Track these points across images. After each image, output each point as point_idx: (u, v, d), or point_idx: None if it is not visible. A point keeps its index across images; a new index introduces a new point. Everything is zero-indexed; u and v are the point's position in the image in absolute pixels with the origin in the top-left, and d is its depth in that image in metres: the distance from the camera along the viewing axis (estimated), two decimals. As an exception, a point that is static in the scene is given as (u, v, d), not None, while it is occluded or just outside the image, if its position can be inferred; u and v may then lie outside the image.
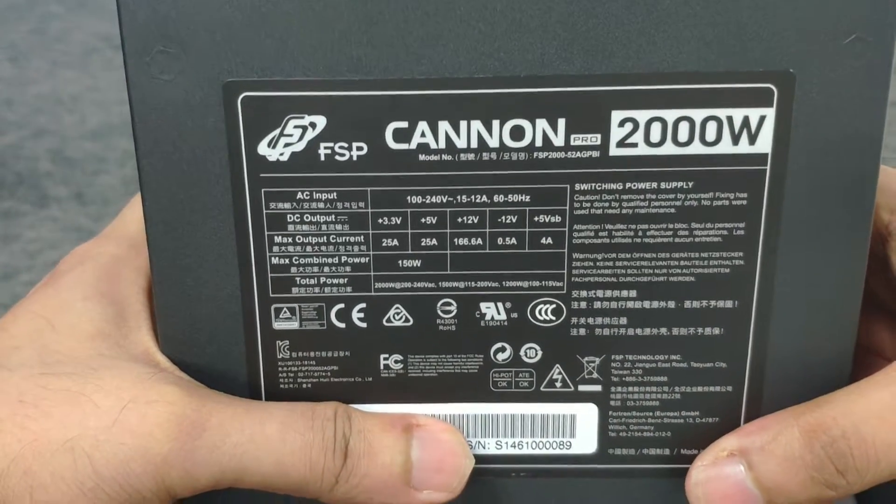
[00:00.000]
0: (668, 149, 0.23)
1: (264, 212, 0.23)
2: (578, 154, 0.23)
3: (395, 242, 0.23)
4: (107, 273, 0.27)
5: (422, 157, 0.23)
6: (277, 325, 0.24)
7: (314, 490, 0.23)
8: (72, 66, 1.07)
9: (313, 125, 0.22)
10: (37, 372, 0.24)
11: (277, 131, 0.22)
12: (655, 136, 0.23)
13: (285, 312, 0.24)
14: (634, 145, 0.23)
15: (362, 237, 0.23)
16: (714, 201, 0.24)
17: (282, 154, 0.22)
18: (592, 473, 0.27)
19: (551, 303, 0.24)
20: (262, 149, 0.22)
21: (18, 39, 1.08)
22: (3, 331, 0.26)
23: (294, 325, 0.24)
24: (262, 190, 0.22)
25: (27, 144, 1.03)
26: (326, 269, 0.23)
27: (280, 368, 0.24)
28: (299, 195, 0.23)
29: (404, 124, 0.22)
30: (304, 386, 0.25)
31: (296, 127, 0.22)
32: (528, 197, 0.23)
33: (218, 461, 0.23)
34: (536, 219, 0.24)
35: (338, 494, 0.24)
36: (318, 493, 0.24)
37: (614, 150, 0.23)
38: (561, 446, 0.26)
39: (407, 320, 0.24)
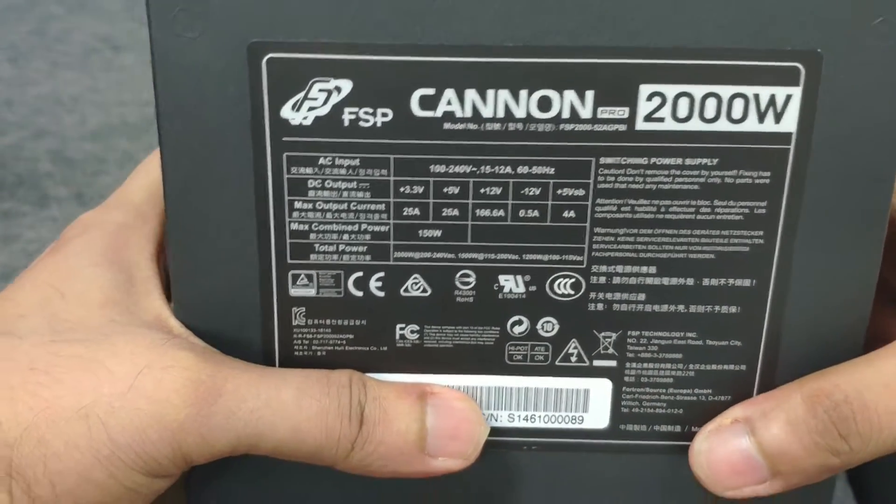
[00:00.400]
0: (695, 125, 0.23)
1: (285, 176, 0.23)
2: (605, 127, 0.23)
3: (417, 212, 0.23)
4: (114, 240, 0.27)
5: (447, 126, 0.22)
6: (294, 292, 0.24)
7: (329, 457, 0.23)
8: (72, 67, 1.08)
9: (338, 89, 0.22)
10: (47, 339, 0.24)
11: (302, 94, 0.22)
12: (683, 111, 0.23)
13: (303, 279, 0.24)
14: (661, 120, 0.23)
15: (383, 205, 0.23)
16: (737, 179, 0.24)
17: (305, 118, 0.22)
18: (603, 448, 0.27)
19: (570, 277, 0.24)
20: (286, 112, 0.22)
21: (18, 40, 1.08)
22: (9, 300, 0.25)
23: (311, 292, 0.24)
24: (284, 154, 0.22)
25: (27, 145, 1.03)
26: (346, 236, 0.23)
27: (295, 335, 0.24)
28: (321, 160, 0.23)
29: (431, 91, 0.22)
30: (319, 354, 0.25)
31: (321, 90, 0.22)
32: (552, 169, 0.23)
33: (234, 427, 0.23)
34: (559, 192, 0.23)
35: (353, 461, 0.24)
36: (334, 461, 0.23)
37: (641, 125, 0.23)
38: (573, 420, 0.26)
39: (425, 291, 0.24)
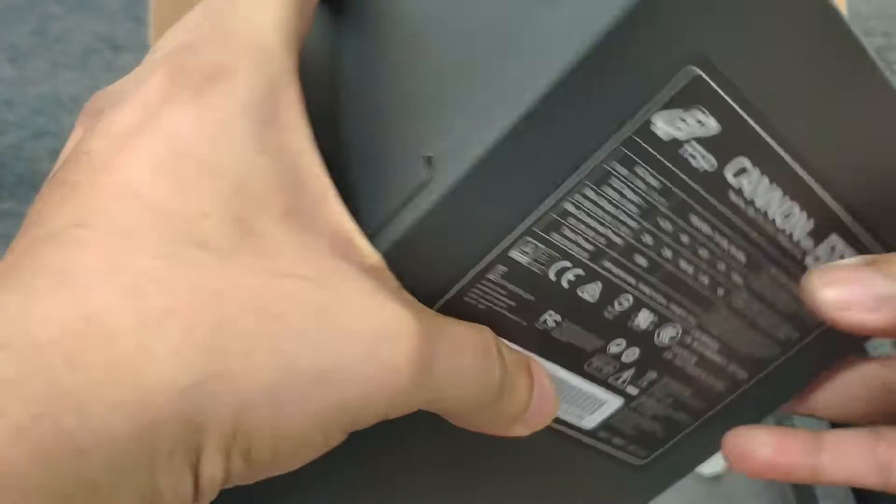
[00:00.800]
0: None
1: (602, 164, 0.22)
2: (793, 248, 0.25)
3: (650, 240, 0.24)
4: (267, 109, 0.20)
5: (730, 194, 0.23)
6: (512, 253, 0.23)
7: (463, 418, 0.23)
8: (72, 67, 1.08)
9: (706, 126, 0.22)
10: (260, 265, 0.19)
11: (680, 112, 0.21)
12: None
13: (528, 247, 0.23)
14: (818, 261, 0.26)
15: (636, 225, 0.23)
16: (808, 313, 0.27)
17: (661, 130, 0.22)
18: (580, 443, 0.29)
19: (676, 329, 0.26)
20: (654, 114, 0.21)
21: (18, 40, 1.08)
22: (169, 176, 0.19)
23: (524, 259, 0.23)
24: (620, 147, 0.22)
25: (27, 145, 1.03)
26: (591, 233, 0.23)
27: (478, 286, 0.24)
28: (638, 169, 0.22)
29: (748, 165, 0.23)
30: (480, 307, 0.24)
31: (695, 119, 0.21)
32: (744, 258, 0.25)
33: (434, 395, 0.21)
34: (733, 274, 0.25)
35: (475, 423, 0.23)
36: (464, 421, 0.23)
37: (808, 260, 0.26)
38: (577, 417, 0.28)
39: (593, 297, 0.24)
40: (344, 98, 0.25)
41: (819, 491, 0.69)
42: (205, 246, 0.19)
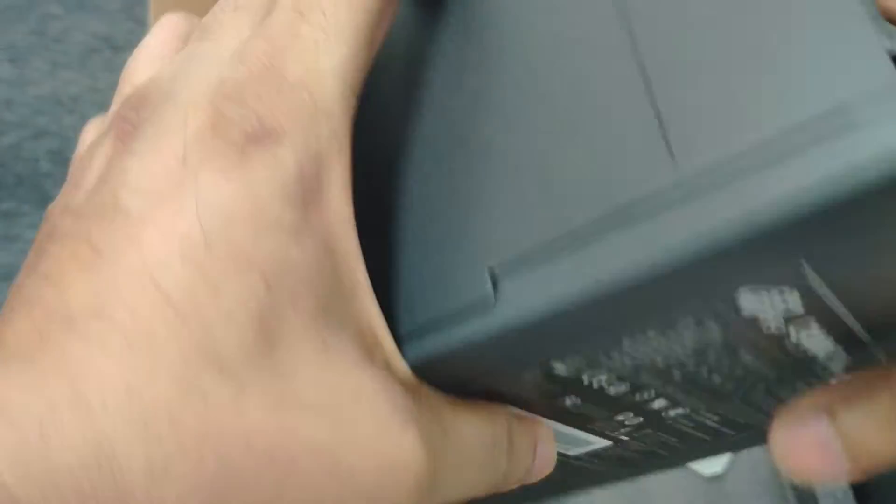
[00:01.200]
0: None
1: (674, 316, 0.20)
2: (821, 374, 0.25)
3: (690, 364, 0.22)
4: (312, 188, 0.18)
5: (786, 343, 0.22)
6: (555, 366, 0.21)
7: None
8: (72, 67, 1.08)
9: (789, 303, 0.20)
10: (270, 389, 0.18)
11: (773, 292, 0.19)
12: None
13: (572, 364, 0.21)
14: (836, 375, 0.26)
15: (684, 355, 0.22)
16: None
17: (744, 306, 0.20)
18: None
19: (685, 410, 0.26)
20: (744, 291, 0.19)
21: (18, 40, 1.08)
22: (190, 275, 0.17)
23: (564, 371, 0.22)
24: (700, 310, 0.19)
25: (27, 145, 1.03)
26: (637, 357, 0.22)
27: (511, 381, 0.24)
28: (706, 323, 0.20)
29: (815, 327, 0.22)
30: (506, 391, 0.24)
31: (779, 299, 0.19)
32: (776, 376, 0.24)
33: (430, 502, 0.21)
34: (759, 383, 0.25)
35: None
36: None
37: (834, 382, 0.26)
38: (564, 449, 0.29)
39: (618, 393, 0.24)
40: (408, 142, 0.22)
41: (819, 491, 0.69)
42: (221, 367, 0.17)
